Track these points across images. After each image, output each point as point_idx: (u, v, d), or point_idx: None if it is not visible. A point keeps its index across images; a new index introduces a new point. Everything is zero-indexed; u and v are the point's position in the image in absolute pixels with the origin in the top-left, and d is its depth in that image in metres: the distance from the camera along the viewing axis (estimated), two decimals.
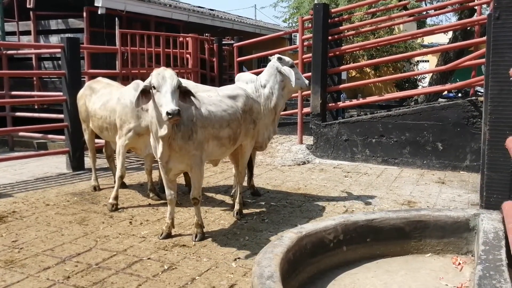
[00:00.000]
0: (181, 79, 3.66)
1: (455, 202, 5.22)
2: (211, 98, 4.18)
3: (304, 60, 8.43)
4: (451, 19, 14.61)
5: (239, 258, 3.60)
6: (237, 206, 4.70)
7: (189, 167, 3.92)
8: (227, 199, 5.32)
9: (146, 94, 3.62)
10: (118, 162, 5.00)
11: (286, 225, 4.38)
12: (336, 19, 8.37)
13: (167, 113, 3.32)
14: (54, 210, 4.86)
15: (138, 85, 5.24)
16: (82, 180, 6.24)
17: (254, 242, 3.95)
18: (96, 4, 9.12)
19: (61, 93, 7.00)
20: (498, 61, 3.05)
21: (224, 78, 11.03)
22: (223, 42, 11.22)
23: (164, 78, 3.48)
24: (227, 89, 4.55)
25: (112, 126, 5.04)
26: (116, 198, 4.94)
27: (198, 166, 3.89)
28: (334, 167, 7.21)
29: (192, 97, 3.61)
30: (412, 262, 2.97)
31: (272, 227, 4.36)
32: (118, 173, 5.02)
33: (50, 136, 7.75)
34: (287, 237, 2.50)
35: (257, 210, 4.89)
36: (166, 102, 3.38)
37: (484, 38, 5.81)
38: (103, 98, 5.21)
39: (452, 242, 3.06)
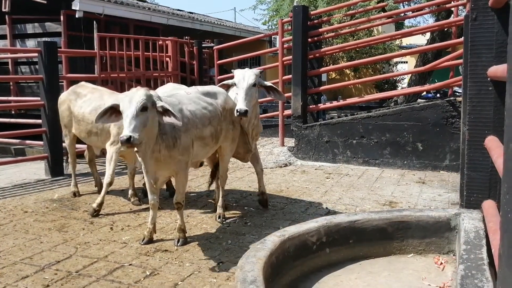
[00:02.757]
0: (172, 86, 3.64)
1: (435, 201, 5.28)
2: (190, 96, 4.13)
3: (285, 62, 8.45)
4: (429, 20, 14.83)
5: (222, 262, 3.58)
6: (219, 210, 4.67)
7: (174, 172, 3.88)
8: (209, 203, 5.28)
9: (116, 112, 3.51)
10: (109, 168, 4.87)
11: (269, 227, 4.36)
12: (316, 21, 8.41)
13: (120, 140, 3.24)
14: (32, 217, 4.76)
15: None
16: (62, 186, 6.14)
17: (237, 245, 3.93)
18: (73, 8, 8.98)
19: (38, 98, 6.87)
20: (475, 61, 3.08)
21: (204, 81, 10.98)
22: (203, 45, 11.18)
23: (130, 101, 3.30)
24: (207, 87, 4.58)
25: (104, 131, 4.96)
26: (100, 204, 4.84)
27: (183, 170, 3.86)
28: (315, 169, 7.23)
29: (172, 116, 3.42)
30: (395, 263, 2.98)
31: (255, 230, 4.34)
32: (107, 179, 4.87)
33: (28, 142, 7.60)
34: (269, 241, 2.49)
35: (240, 213, 4.87)
36: (124, 128, 3.27)
37: (461, 39, 5.89)
38: (94, 103, 5.09)
39: (434, 242, 3.08)
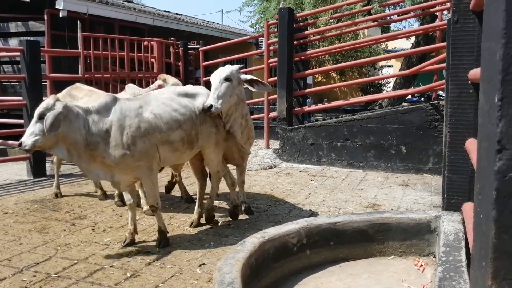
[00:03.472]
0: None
1: (418, 204, 5.31)
2: (161, 96, 3.95)
3: (270, 64, 8.45)
4: (414, 25, 14.97)
5: (203, 264, 3.55)
6: (205, 214, 4.54)
7: (137, 178, 3.83)
8: (192, 205, 5.24)
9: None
10: None
11: (252, 229, 4.34)
12: (301, 23, 8.44)
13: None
14: (12, 218, 4.69)
15: (132, 90, 5.13)
16: (44, 187, 6.05)
17: (220, 247, 3.91)
18: (57, 7, 8.90)
19: (21, 98, 6.78)
20: (457, 64, 3.11)
21: (190, 82, 10.94)
22: (189, 46, 11.13)
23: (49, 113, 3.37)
24: (187, 87, 4.41)
25: None
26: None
27: (147, 175, 3.73)
28: (300, 171, 7.24)
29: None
30: (375, 265, 2.99)
31: (238, 232, 4.32)
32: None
33: (10, 142, 7.47)
34: (249, 242, 2.47)
35: (223, 215, 4.84)
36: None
37: (445, 43, 5.96)
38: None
39: (414, 244, 3.09)
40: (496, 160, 1.08)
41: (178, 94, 4.07)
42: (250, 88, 4.33)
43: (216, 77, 4.10)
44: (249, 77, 4.28)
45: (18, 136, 6.85)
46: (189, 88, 4.33)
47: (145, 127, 3.66)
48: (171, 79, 5.27)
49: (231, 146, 4.51)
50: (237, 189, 4.84)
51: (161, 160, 3.84)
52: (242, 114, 4.40)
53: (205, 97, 4.15)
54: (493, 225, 1.10)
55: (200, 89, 4.33)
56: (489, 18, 1.25)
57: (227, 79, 4.07)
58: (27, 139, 3.40)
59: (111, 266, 3.50)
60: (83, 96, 5.02)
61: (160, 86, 5.07)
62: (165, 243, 3.93)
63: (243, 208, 4.89)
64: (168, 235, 4.09)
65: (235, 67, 4.23)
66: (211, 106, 3.93)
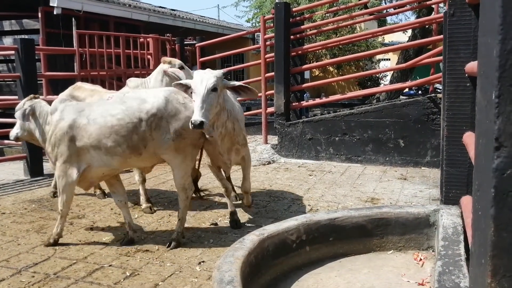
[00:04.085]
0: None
1: (417, 197, 5.32)
2: (106, 101, 3.88)
3: (267, 59, 8.43)
4: (410, 18, 14.95)
5: (203, 261, 3.55)
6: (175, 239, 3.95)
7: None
8: (192, 202, 5.24)
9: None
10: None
11: (251, 226, 4.35)
12: (298, 18, 8.41)
13: None
14: (10, 218, 4.67)
15: (135, 82, 5.08)
16: (41, 187, 6.04)
17: (219, 244, 3.91)
18: (51, 4, 8.86)
19: (16, 97, 6.74)
20: (453, 57, 3.10)
21: None
22: (185, 42, 11.10)
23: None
24: (151, 90, 4.15)
25: None
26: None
27: (59, 177, 3.85)
28: (299, 166, 7.24)
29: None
30: (374, 260, 2.99)
31: (237, 228, 4.32)
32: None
33: (6, 141, 7.45)
34: (248, 240, 2.47)
35: (222, 212, 4.84)
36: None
37: (442, 36, 5.94)
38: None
39: (413, 238, 3.09)
40: (494, 157, 1.07)
41: (126, 97, 3.86)
42: (235, 94, 4.04)
43: (202, 86, 3.61)
44: (237, 83, 3.92)
45: None
46: (147, 91, 4.04)
47: (72, 131, 3.76)
48: (177, 61, 5.04)
49: (214, 153, 4.23)
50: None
51: (95, 163, 3.79)
52: (222, 122, 3.97)
53: (159, 100, 3.76)
54: (491, 223, 1.10)
55: (160, 92, 3.90)
56: (486, 14, 1.24)
57: (214, 89, 3.64)
58: (12, 131, 4.20)
59: (110, 265, 3.49)
60: (86, 97, 4.85)
61: (165, 72, 4.92)
62: (128, 241, 3.97)
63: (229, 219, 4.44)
64: (167, 233, 4.08)
65: (220, 73, 3.78)
66: (202, 122, 3.46)
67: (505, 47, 1.02)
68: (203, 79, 3.63)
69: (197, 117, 3.48)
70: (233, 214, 4.40)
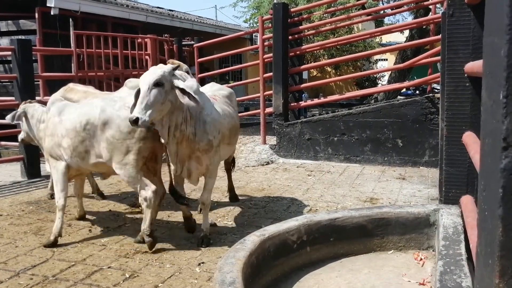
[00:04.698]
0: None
1: (415, 197, 5.31)
2: (79, 103, 4.08)
3: (266, 60, 8.42)
4: (408, 18, 14.96)
5: (203, 262, 3.54)
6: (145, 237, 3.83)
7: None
8: (191, 203, 5.23)
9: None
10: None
11: (250, 226, 4.34)
12: (296, 18, 8.41)
13: None
14: (7, 220, 4.65)
15: (134, 83, 5.05)
16: (38, 188, 6.01)
17: (218, 245, 3.89)
18: (48, 5, 8.81)
19: (13, 98, 6.71)
20: (453, 58, 3.10)
21: None
22: (183, 43, 11.08)
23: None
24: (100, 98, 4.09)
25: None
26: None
27: (53, 172, 4.15)
28: (297, 167, 7.23)
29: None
30: (375, 260, 2.99)
31: (237, 229, 4.31)
32: None
33: (3, 143, 7.42)
34: (249, 241, 2.46)
35: (221, 213, 4.83)
36: None
37: (439, 36, 5.95)
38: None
39: (414, 238, 3.09)
40: (502, 157, 1.06)
41: (87, 103, 4.00)
42: (180, 96, 3.58)
43: (145, 81, 3.40)
44: (181, 84, 3.51)
45: (11, 137, 6.85)
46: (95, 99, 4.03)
47: (50, 128, 4.07)
48: (184, 65, 4.95)
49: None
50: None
51: (67, 161, 4.01)
52: (177, 123, 3.62)
53: (93, 109, 3.77)
54: (499, 223, 1.09)
55: (100, 102, 3.89)
56: (492, 14, 1.23)
57: (157, 84, 3.38)
58: (19, 135, 4.78)
59: (109, 267, 3.47)
60: (79, 99, 4.61)
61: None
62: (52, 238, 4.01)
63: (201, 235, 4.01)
64: (166, 234, 4.06)
65: (168, 67, 3.55)
66: (137, 119, 3.26)
67: None
68: (147, 74, 3.46)
69: (133, 113, 3.33)
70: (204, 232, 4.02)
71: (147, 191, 3.78)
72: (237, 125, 4.50)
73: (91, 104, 3.90)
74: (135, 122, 3.27)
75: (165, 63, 9.92)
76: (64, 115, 3.99)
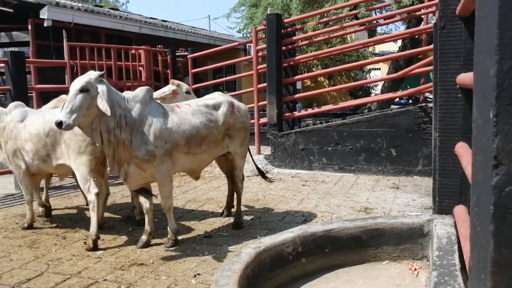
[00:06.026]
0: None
1: (409, 206, 5.34)
2: (44, 110, 4.74)
3: (259, 70, 8.47)
4: (400, 28, 15.11)
5: (198, 274, 3.53)
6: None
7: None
8: (186, 214, 5.23)
9: None
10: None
11: (246, 237, 4.34)
12: (289, 29, 8.48)
13: None
14: (1, 234, 4.62)
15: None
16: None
17: (214, 256, 3.89)
18: (41, 16, 8.82)
19: None
20: (445, 69, 3.14)
21: None
22: (177, 53, 11.11)
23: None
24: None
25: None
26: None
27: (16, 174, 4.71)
28: (292, 177, 7.25)
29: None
30: (370, 270, 3.00)
31: (232, 240, 4.31)
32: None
33: None
34: (245, 253, 2.47)
35: (217, 224, 4.82)
36: None
37: (431, 46, 6.02)
38: None
39: (408, 248, 3.11)
40: (493, 175, 1.09)
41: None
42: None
43: (72, 87, 3.66)
44: (99, 90, 3.66)
45: None
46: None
47: (14, 132, 4.48)
48: (185, 86, 5.35)
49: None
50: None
51: (28, 164, 4.51)
52: (109, 128, 3.75)
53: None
54: (491, 239, 1.11)
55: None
56: (482, 33, 1.26)
57: (83, 90, 3.60)
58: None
59: (104, 280, 3.46)
60: None
61: (174, 92, 5.19)
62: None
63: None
64: (162, 246, 4.05)
65: (94, 74, 3.71)
66: (61, 122, 3.51)
67: (502, 67, 1.05)
68: (76, 80, 3.73)
69: (58, 116, 3.59)
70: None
71: (91, 194, 4.20)
72: (207, 134, 4.24)
73: (53, 113, 4.34)
74: (59, 125, 3.55)
75: (159, 74, 9.95)
76: (28, 121, 4.46)
